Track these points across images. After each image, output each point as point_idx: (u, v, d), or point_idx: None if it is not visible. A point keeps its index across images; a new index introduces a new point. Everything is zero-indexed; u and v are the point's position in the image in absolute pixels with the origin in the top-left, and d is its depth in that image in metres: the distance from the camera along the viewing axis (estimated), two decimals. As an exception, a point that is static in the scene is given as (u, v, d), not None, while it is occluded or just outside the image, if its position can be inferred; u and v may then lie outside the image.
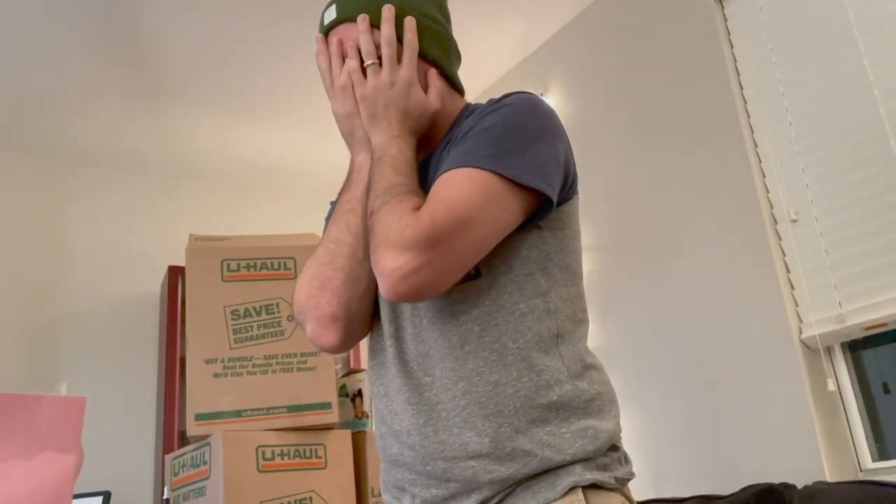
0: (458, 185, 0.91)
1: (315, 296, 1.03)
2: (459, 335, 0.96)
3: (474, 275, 0.97)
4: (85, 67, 2.87)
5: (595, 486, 0.92)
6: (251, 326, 1.89)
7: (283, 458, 1.79)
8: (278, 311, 1.93)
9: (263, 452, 1.78)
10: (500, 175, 0.91)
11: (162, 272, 3.55)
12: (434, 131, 1.09)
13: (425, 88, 1.06)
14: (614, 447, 0.97)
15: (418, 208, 0.90)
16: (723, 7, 2.36)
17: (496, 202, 0.91)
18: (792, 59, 2.14)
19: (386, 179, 0.96)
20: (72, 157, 3.54)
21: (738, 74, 2.29)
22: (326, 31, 1.09)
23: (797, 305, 2.06)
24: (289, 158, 3.81)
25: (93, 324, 3.40)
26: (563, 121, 3.10)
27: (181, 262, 3.57)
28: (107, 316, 3.44)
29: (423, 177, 1.05)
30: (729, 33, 2.33)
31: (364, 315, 1.05)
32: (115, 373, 3.37)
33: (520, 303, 0.96)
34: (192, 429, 1.77)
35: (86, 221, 3.53)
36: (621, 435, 1.01)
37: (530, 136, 0.96)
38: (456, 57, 1.14)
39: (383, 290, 0.90)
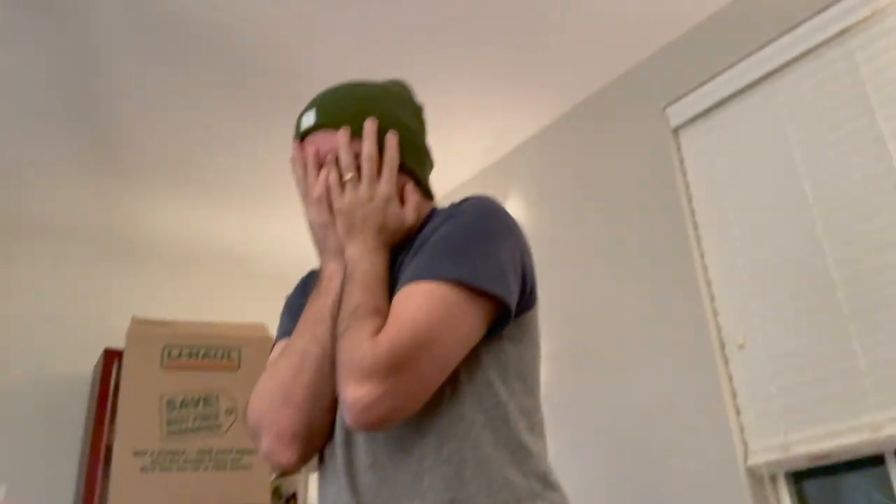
0: (418, 302, 0.89)
1: (276, 410, 0.97)
2: (417, 448, 0.91)
3: None
4: (36, 138, 2.83)
5: None
6: (187, 418, 1.80)
7: (205, 564, 1.68)
8: (217, 404, 1.85)
9: (185, 557, 1.66)
10: (461, 284, 0.90)
11: (97, 354, 3.40)
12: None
13: (402, 200, 1.06)
14: None
15: (379, 331, 0.88)
16: (678, 138, 2.47)
17: (458, 316, 0.89)
18: (741, 191, 2.23)
19: (352, 299, 0.94)
20: (16, 226, 3.44)
21: (691, 201, 2.37)
22: (302, 136, 1.07)
23: (743, 431, 2.07)
24: (243, 243, 3.76)
25: (13, 401, 3.20)
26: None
27: (119, 345, 3.44)
28: (30, 394, 3.25)
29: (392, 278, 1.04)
30: (682, 162, 2.44)
31: (325, 430, 1.00)
32: (32, 458, 3.15)
33: (479, 413, 0.93)
34: (112, 526, 1.66)
35: (23, 293, 3.39)
36: None
37: (489, 242, 0.95)
38: (430, 166, 1.16)
39: (348, 421, 0.87)
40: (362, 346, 0.86)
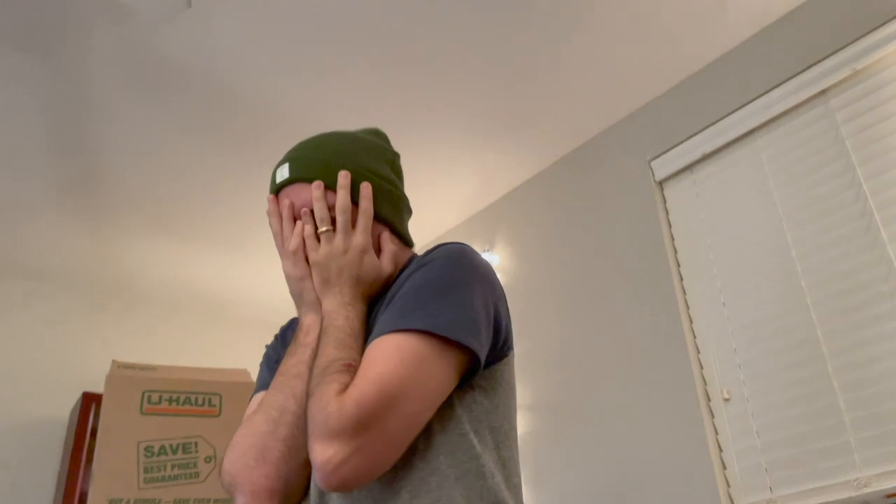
0: (386, 357, 0.87)
1: (252, 468, 0.96)
2: (390, 502, 0.89)
3: None
4: (16, 177, 2.82)
5: None
6: (164, 465, 1.76)
7: None
8: (196, 451, 1.82)
9: None
10: (430, 334, 0.89)
11: (74, 398, 3.34)
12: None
13: (378, 250, 1.06)
14: None
15: (347, 388, 0.86)
16: (662, 189, 2.50)
17: (427, 370, 0.88)
18: (725, 243, 2.26)
19: (325, 356, 0.92)
20: (-1, 267, 3.41)
21: (676, 252, 2.39)
22: (277, 190, 1.08)
23: (729, 486, 2.05)
24: (225, 288, 3.75)
25: (-12, 446, 3.13)
26: (506, 278, 3.13)
27: (97, 389, 3.38)
28: (4, 438, 3.18)
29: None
30: (668, 214, 2.46)
31: (302, 485, 0.99)
32: (3, 502, 3.07)
33: (453, 466, 0.91)
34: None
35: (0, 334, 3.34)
36: None
37: (460, 291, 0.94)
38: (407, 213, 1.15)
39: (318, 481, 0.85)
40: (329, 406, 0.85)
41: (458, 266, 0.97)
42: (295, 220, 1.05)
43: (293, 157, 1.08)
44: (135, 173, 2.85)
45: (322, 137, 1.11)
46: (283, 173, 1.07)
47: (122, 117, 2.54)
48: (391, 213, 1.09)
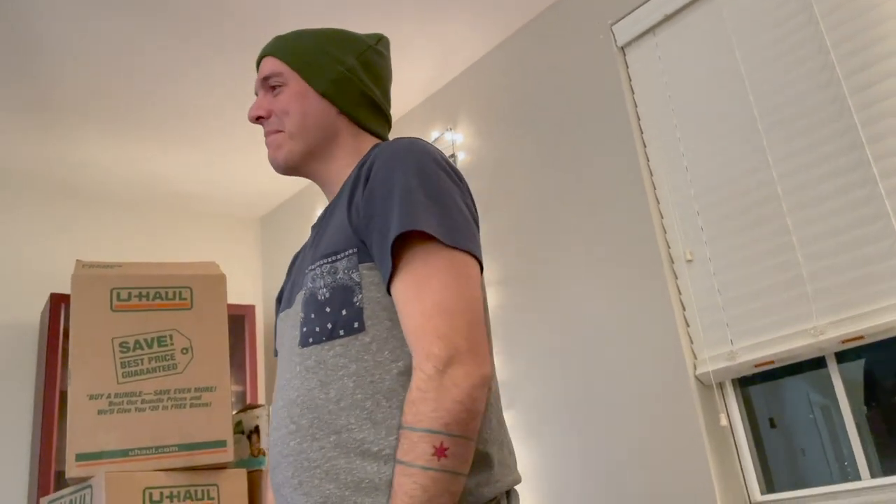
0: (432, 291, 0.91)
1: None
2: (336, 389, 0.95)
3: (358, 328, 0.96)
4: (-35, 79, 2.68)
5: None
6: (141, 360, 1.77)
7: (171, 501, 1.68)
8: (171, 343, 1.83)
9: (151, 495, 1.66)
10: (447, 245, 0.94)
11: (42, 300, 3.32)
12: (336, 164, 1.13)
13: (331, 132, 1.16)
14: None
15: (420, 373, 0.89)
16: (625, 54, 2.46)
17: (463, 272, 0.95)
18: (687, 107, 2.25)
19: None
20: (-55, 174, 3.28)
21: (639, 118, 2.38)
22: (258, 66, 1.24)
23: (692, 342, 2.14)
24: (190, 185, 3.67)
25: (-39, 355, 3.12)
26: (470, 157, 3.11)
27: (65, 290, 3.36)
28: (-23, 346, 3.17)
29: (325, 224, 1.09)
30: (630, 80, 2.43)
31: None
32: (-15, 409, 3.10)
33: (399, 360, 0.95)
34: (73, 470, 1.63)
35: (-42, 244, 3.27)
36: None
37: (451, 196, 0.99)
38: (370, 103, 1.18)
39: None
40: (431, 391, 0.88)
41: (436, 169, 1.00)
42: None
43: (269, 43, 1.21)
44: (93, 67, 2.71)
45: (301, 30, 1.22)
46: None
47: (74, 9, 2.38)
48: (345, 98, 1.15)
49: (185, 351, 1.82)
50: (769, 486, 2.05)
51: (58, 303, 3.13)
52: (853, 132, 1.87)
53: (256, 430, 2.08)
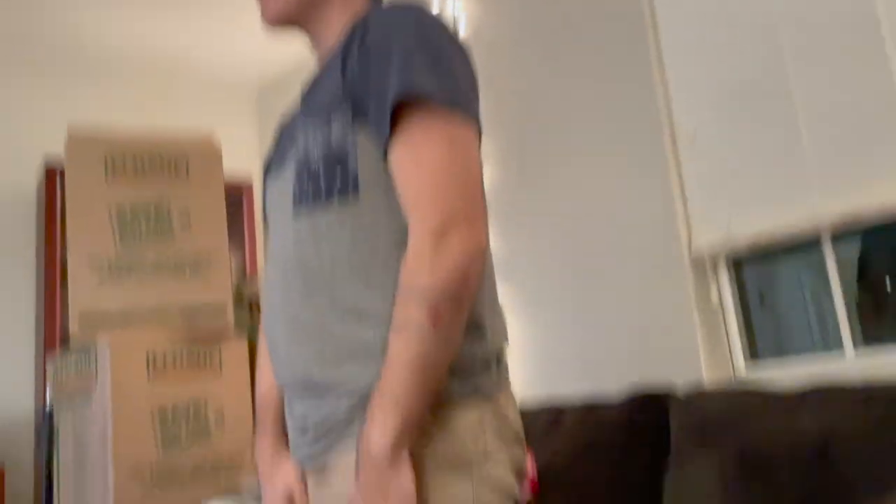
0: (431, 158, 0.89)
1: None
2: (330, 254, 0.94)
3: (353, 195, 0.94)
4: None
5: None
6: (139, 227, 1.78)
7: (174, 364, 1.74)
8: (169, 211, 1.83)
9: (154, 358, 1.71)
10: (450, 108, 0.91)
11: (38, 173, 3.29)
12: (329, 20, 1.07)
13: None
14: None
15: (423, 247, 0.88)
16: (636, -83, 2.32)
17: (463, 143, 0.92)
18: (700, -25, 2.15)
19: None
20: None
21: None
22: None
23: (689, 219, 2.14)
24: (188, 47, 3.53)
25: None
26: (474, 28, 3.00)
27: (59, 160, 3.33)
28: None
29: (316, 85, 1.04)
30: (641, -55, 2.31)
31: None
32: (-12, 278, 3.15)
33: (394, 227, 0.93)
34: (76, 326, 1.67)
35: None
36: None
37: (455, 60, 0.95)
38: None
39: None
40: (429, 256, 0.87)
41: (440, 30, 0.96)
42: None
43: None
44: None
45: None
46: None
47: None
48: None
49: (182, 218, 1.82)
50: (753, 354, 2.12)
51: (53, 174, 3.11)
52: (870, 22, 1.80)
53: (257, 299, 2.12)
